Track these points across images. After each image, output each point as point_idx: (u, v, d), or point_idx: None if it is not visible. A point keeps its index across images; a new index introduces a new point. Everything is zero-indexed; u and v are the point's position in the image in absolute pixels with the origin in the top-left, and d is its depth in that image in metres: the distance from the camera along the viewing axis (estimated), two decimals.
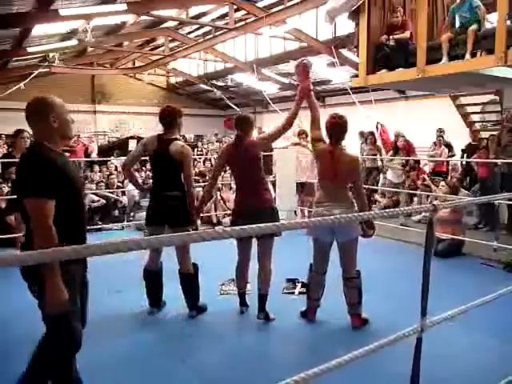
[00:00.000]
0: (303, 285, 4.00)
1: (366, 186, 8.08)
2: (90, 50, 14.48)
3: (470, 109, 8.55)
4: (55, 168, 1.94)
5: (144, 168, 9.85)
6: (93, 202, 7.21)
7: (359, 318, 3.37)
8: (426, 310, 1.89)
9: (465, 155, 8.23)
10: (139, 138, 11.61)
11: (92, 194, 7.36)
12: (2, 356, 2.91)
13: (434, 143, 8.37)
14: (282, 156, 7.41)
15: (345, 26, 8.99)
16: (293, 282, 4.24)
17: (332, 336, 3.25)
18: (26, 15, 8.28)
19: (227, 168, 4.79)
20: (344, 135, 3.36)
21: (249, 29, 10.64)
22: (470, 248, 5.45)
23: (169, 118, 3.46)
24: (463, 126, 8.58)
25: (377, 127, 9.47)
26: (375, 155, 8.66)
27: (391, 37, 5.07)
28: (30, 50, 10.96)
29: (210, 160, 10.63)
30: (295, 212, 7.35)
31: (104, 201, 7.29)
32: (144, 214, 3.79)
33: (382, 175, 8.89)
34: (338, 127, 3.31)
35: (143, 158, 3.76)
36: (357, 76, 5.70)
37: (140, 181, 6.03)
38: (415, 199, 7.97)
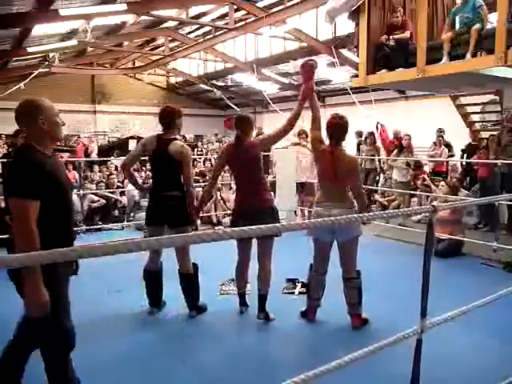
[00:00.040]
0: (303, 285, 4.00)
1: (366, 187, 8.12)
2: (89, 50, 14.49)
3: (470, 109, 8.55)
4: (41, 169, 1.95)
5: (144, 168, 9.85)
6: (93, 202, 7.21)
7: (359, 318, 3.37)
8: (426, 311, 1.88)
9: (465, 155, 8.23)
10: (139, 138, 11.61)
11: (92, 194, 7.36)
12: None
13: (434, 143, 8.37)
14: (281, 156, 7.40)
15: (345, 25, 8.99)
16: (293, 281, 4.24)
17: (332, 336, 3.25)
18: (26, 15, 8.29)
19: (227, 168, 4.78)
20: (344, 136, 3.36)
21: (249, 29, 10.64)
22: (469, 248, 5.45)
23: (168, 119, 3.46)
24: (463, 126, 8.57)
25: (377, 127, 9.47)
26: (374, 156, 8.66)
27: (391, 37, 5.07)
28: (29, 49, 10.96)
29: (210, 160, 10.63)
30: (295, 212, 7.35)
31: (104, 201, 7.29)
32: (144, 214, 3.79)
33: (382, 175, 8.90)
34: (338, 128, 3.32)
35: (143, 158, 3.75)
36: (357, 76, 5.70)
37: (140, 181, 6.03)
38: (415, 199, 7.98)
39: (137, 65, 17.18)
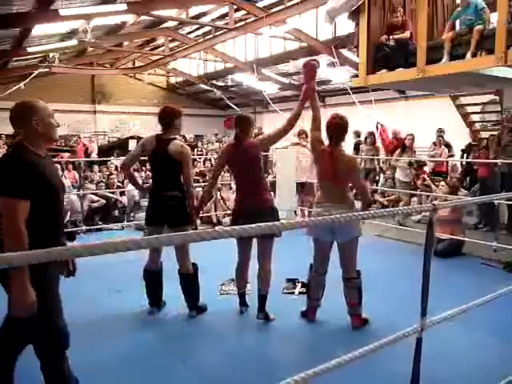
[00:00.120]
0: (303, 285, 4.00)
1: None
2: (90, 50, 14.48)
3: (470, 109, 8.55)
4: (33, 170, 1.96)
5: (144, 168, 9.85)
6: (93, 202, 7.21)
7: (359, 318, 3.37)
8: (426, 310, 1.88)
9: (465, 155, 8.22)
10: (139, 138, 11.61)
11: (92, 194, 7.36)
12: None
13: (434, 143, 8.37)
14: (281, 156, 7.41)
15: (345, 25, 8.99)
16: (293, 281, 4.24)
17: (332, 336, 3.25)
18: (26, 15, 8.28)
19: (227, 168, 4.79)
20: (344, 136, 3.37)
21: (249, 29, 10.64)
22: (470, 248, 5.45)
23: (168, 119, 3.46)
24: (463, 125, 8.57)
25: (377, 127, 9.48)
26: (374, 156, 8.66)
27: (391, 37, 5.07)
28: (30, 49, 10.96)
29: (210, 160, 10.63)
30: (295, 212, 7.35)
31: (104, 201, 7.29)
32: (144, 214, 3.79)
33: (382, 175, 8.90)
34: (338, 128, 3.32)
35: (143, 158, 3.76)
36: (357, 76, 5.70)
37: (140, 181, 6.03)
38: (415, 199, 7.97)
39: (137, 65, 17.18)
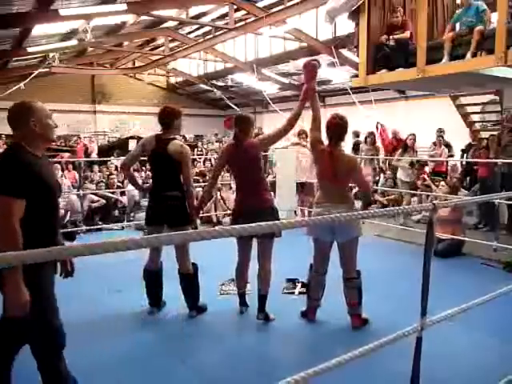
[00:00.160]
0: (303, 285, 4.00)
1: None
2: (90, 49, 14.49)
3: (470, 109, 8.55)
4: (29, 170, 1.97)
5: (144, 168, 9.85)
6: (92, 202, 7.21)
7: (359, 318, 3.37)
8: (426, 310, 1.88)
9: (465, 155, 8.22)
10: (139, 138, 11.62)
11: (92, 194, 7.36)
12: None
13: (434, 143, 8.37)
14: (281, 156, 7.41)
15: (345, 25, 8.99)
16: (293, 281, 4.23)
17: (332, 336, 3.25)
18: (26, 15, 8.29)
19: (227, 168, 4.79)
20: (344, 136, 3.37)
21: (249, 29, 10.65)
22: (469, 248, 5.45)
23: (167, 119, 3.46)
24: (463, 126, 8.57)
25: (377, 127, 9.48)
26: (373, 155, 8.66)
27: (391, 37, 5.07)
28: (30, 49, 10.96)
29: (210, 160, 10.64)
30: (295, 212, 7.35)
31: (104, 201, 7.29)
32: (144, 214, 3.79)
33: (382, 175, 8.90)
34: (338, 128, 3.32)
35: (143, 158, 3.76)
36: (357, 76, 5.70)
37: (140, 181, 6.03)
38: (415, 198, 7.97)
39: (137, 65, 17.19)
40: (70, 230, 6.37)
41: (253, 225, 1.30)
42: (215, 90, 16.89)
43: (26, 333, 2.04)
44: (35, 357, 2.05)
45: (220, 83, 17.08)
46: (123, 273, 4.27)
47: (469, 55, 4.35)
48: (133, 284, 3.84)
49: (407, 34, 5.04)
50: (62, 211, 6.80)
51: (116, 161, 9.74)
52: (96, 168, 10.12)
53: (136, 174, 8.02)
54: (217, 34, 11.37)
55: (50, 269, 2.08)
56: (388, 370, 2.66)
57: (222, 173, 6.28)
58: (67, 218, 6.75)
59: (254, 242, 3.48)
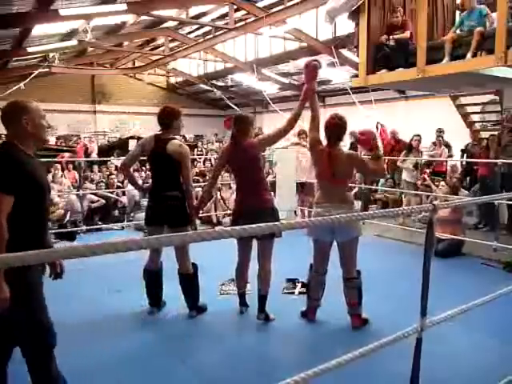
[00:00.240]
0: (303, 285, 4.00)
1: (366, 186, 8.12)
2: (90, 50, 14.49)
3: (470, 109, 8.55)
4: (22, 168, 1.99)
5: (144, 168, 9.85)
6: (92, 202, 7.21)
7: (359, 318, 3.37)
8: (426, 310, 1.88)
9: (465, 155, 8.22)
10: (139, 138, 11.60)
11: (92, 194, 7.36)
12: None
13: (434, 143, 8.36)
14: (281, 156, 7.40)
15: (345, 25, 8.99)
16: (293, 281, 4.23)
17: (332, 336, 3.25)
18: (26, 15, 8.29)
19: (227, 168, 4.80)
20: (343, 136, 3.38)
21: (249, 29, 10.65)
22: (469, 248, 5.45)
23: (167, 119, 3.45)
24: (463, 126, 8.57)
25: (377, 127, 9.47)
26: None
27: (391, 37, 5.07)
28: (30, 49, 10.96)
29: (210, 160, 10.64)
30: (295, 212, 7.35)
31: (103, 201, 7.29)
32: (144, 214, 3.79)
33: None
34: (337, 128, 3.32)
35: (143, 158, 3.76)
36: (357, 76, 5.70)
37: (140, 181, 6.03)
38: (416, 199, 7.96)
39: (137, 65, 17.19)
40: (69, 229, 6.37)
41: (253, 226, 1.30)
42: (215, 90, 16.89)
43: (12, 332, 2.04)
44: (26, 358, 2.05)
45: (220, 83, 17.08)
46: (123, 273, 4.27)
47: (469, 55, 4.35)
48: (133, 284, 3.84)
49: (407, 34, 5.04)
50: (61, 211, 6.81)
51: (116, 161, 9.74)
52: (96, 168, 10.12)
53: (136, 174, 8.04)
54: (217, 34, 11.37)
55: (38, 269, 2.09)
56: (387, 370, 2.66)
57: (222, 173, 6.29)
58: (67, 217, 6.75)
59: (254, 242, 3.48)
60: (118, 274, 4.36)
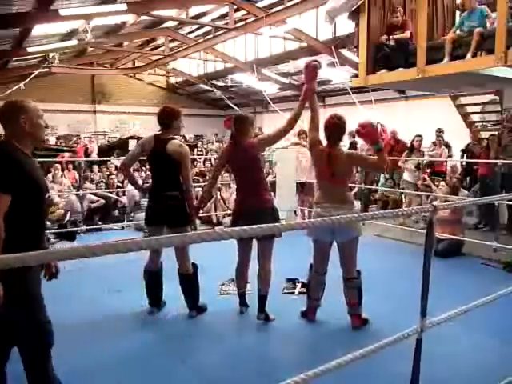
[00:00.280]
0: (303, 285, 4.00)
1: (366, 186, 8.11)
2: (90, 49, 14.49)
3: (470, 109, 8.55)
4: (20, 167, 2.00)
5: (144, 168, 9.85)
6: (92, 202, 7.21)
7: (359, 318, 3.37)
8: (426, 310, 1.88)
9: (465, 155, 8.22)
10: (139, 138, 11.59)
11: (91, 194, 7.36)
12: None
13: (434, 143, 8.36)
14: (281, 156, 7.40)
15: (345, 25, 8.99)
16: (293, 281, 4.24)
17: (332, 336, 3.25)
18: (26, 15, 8.28)
19: (227, 168, 4.80)
20: (342, 136, 3.39)
21: (249, 29, 10.64)
22: (470, 248, 5.45)
23: (167, 120, 3.45)
24: (463, 126, 8.57)
25: (377, 127, 9.46)
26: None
27: (391, 37, 5.07)
28: (30, 49, 10.96)
29: (210, 160, 10.63)
30: (295, 212, 7.35)
31: (103, 201, 7.29)
32: (144, 214, 3.79)
33: (382, 175, 8.88)
34: (336, 128, 3.32)
35: (143, 158, 3.76)
36: (357, 76, 5.70)
37: (140, 181, 6.03)
38: (417, 198, 7.96)
39: (137, 65, 17.19)
40: (69, 229, 6.37)
41: (253, 226, 1.30)
42: (215, 90, 16.88)
43: (11, 332, 2.04)
44: (23, 357, 2.05)
45: (220, 83, 17.07)
46: (123, 273, 4.27)
47: (469, 55, 4.35)
48: (133, 284, 3.84)
49: (407, 34, 5.04)
50: (61, 211, 6.81)
51: (116, 161, 9.74)
52: (96, 168, 10.12)
53: (136, 173, 8.04)
54: (217, 34, 11.37)
55: (37, 269, 2.09)
56: (388, 370, 2.66)
57: (222, 173, 6.29)
58: (67, 217, 6.75)
59: (254, 242, 3.48)
60: (118, 274, 4.36)
